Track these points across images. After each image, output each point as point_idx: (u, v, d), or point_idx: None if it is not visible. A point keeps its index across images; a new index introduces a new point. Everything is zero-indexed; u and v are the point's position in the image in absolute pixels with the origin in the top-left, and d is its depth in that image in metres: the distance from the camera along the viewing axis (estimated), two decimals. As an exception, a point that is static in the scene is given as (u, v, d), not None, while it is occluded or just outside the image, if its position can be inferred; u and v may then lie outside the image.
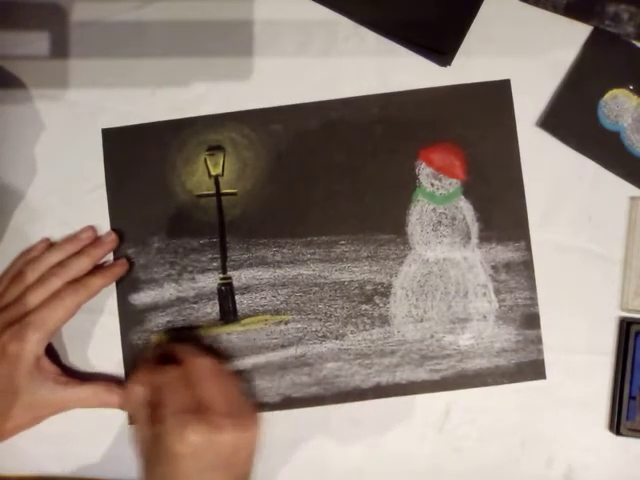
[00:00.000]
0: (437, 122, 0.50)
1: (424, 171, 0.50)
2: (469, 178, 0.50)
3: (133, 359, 0.50)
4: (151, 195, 0.51)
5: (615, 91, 0.50)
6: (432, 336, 0.49)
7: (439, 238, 0.50)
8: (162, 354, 0.47)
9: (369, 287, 0.50)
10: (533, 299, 0.49)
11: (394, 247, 0.50)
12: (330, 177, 0.50)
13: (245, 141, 0.51)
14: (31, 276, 0.47)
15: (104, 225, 0.51)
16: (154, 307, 0.50)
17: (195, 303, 0.50)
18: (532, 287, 0.49)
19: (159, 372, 0.44)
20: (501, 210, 0.50)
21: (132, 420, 0.45)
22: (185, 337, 0.50)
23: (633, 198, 0.50)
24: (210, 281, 0.50)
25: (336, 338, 0.50)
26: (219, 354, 0.50)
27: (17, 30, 0.52)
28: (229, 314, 0.50)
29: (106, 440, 0.50)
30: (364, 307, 0.50)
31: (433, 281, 0.50)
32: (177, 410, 0.41)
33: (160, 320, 0.50)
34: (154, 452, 0.41)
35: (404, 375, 0.49)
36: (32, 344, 0.45)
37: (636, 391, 0.48)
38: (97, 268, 0.49)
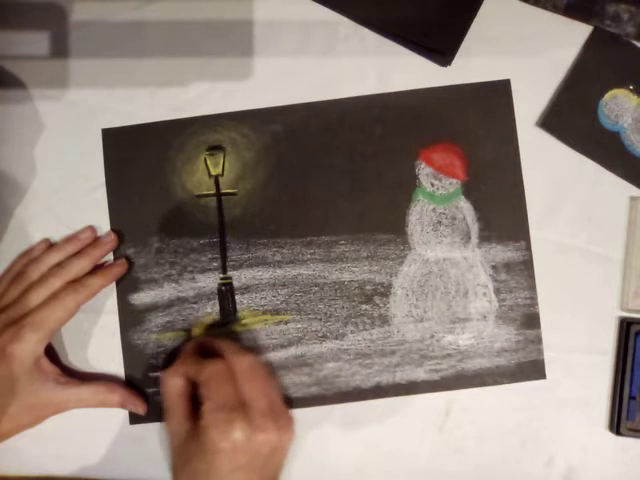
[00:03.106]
0: (437, 122, 0.50)
1: (424, 171, 0.50)
2: (469, 178, 0.50)
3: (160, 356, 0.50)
4: (151, 195, 0.51)
5: (615, 91, 0.50)
6: (432, 336, 0.49)
7: (439, 238, 0.50)
8: (199, 347, 0.46)
9: (369, 287, 0.50)
10: (533, 299, 0.49)
11: (394, 247, 0.50)
12: (330, 177, 0.50)
13: (245, 141, 0.51)
14: (31, 277, 0.47)
15: (104, 225, 0.51)
16: (154, 307, 0.50)
17: (195, 303, 0.50)
18: (532, 287, 0.49)
19: (200, 365, 0.43)
20: (501, 210, 0.50)
21: (166, 412, 0.44)
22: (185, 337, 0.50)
23: (633, 198, 0.50)
24: (210, 281, 0.50)
25: (336, 338, 0.50)
26: (254, 351, 0.49)
27: (17, 30, 0.52)
28: (229, 314, 0.50)
29: (106, 440, 0.50)
30: (364, 307, 0.50)
31: (433, 281, 0.50)
32: (221, 406, 0.40)
33: (160, 320, 0.50)
34: (190, 446, 0.41)
35: (404, 375, 0.49)
36: (32, 344, 0.45)
37: (636, 391, 0.48)
38: (97, 268, 0.49)
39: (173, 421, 0.43)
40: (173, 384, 0.44)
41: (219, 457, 0.40)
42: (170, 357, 0.50)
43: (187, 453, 0.41)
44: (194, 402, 0.43)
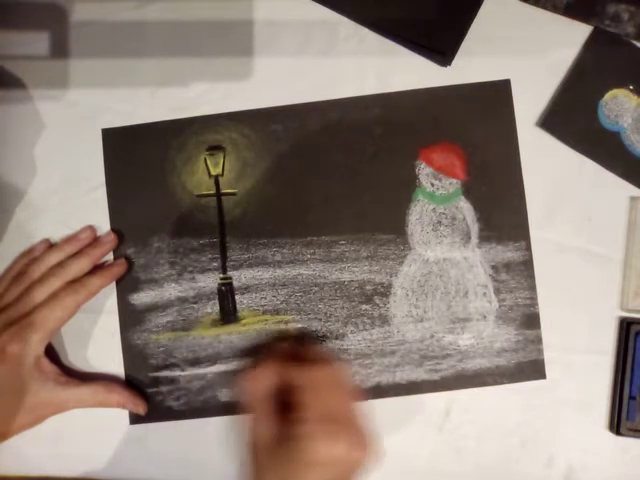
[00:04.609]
0: (437, 122, 0.50)
1: (424, 171, 0.50)
2: (469, 178, 0.50)
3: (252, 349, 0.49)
4: (151, 195, 0.51)
5: (615, 91, 0.50)
6: (432, 336, 0.49)
7: (439, 238, 0.50)
8: (287, 350, 0.45)
9: (369, 287, 0.50)
10: (533, 299, 0.49)
11: (394, 247, 0.50)
12: (330, 177, 0.50)
13: (245, 141, 0.51)
14: (31, 277, 0.47)
15: (104, 225, 0.51)
16: (154, 307, 0.50)
17: (195, 303, 0.50)
18: (532, 287, 0.49)
19: (297, 369, 0.42)
20: (501, 210, 0.50)
21: (251, 410, 0.41)
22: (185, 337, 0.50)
23: (633, 198, 0.50)
24: (210, 281, 0.50)
25: (336, 338, 0.50)
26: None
27: (17, 30, 0.52)
28: (229, 314, 0.50)
29: (106, 440, 0.50)
30: (364, 307, 0.50)
31: (433, 281, 0.50)
32: (315, 417, 0.39)
33: (160, 320, 0.50)
34: (277, 452, 0.39)
35: (404, 375, 0.49)
36: (32, 344, 0.45)
37: (636, 391, 0.48)
38: (97, 268, 0.49)
39: (259, 421, 0.41)
40: (261, 383, 0.42)
41: (310, 469, 0.38)
42: (253, 352, 0.49)
43: (273, 458, 0.40)
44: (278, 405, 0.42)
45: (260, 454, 0.41)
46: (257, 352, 0.49)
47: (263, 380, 0.42)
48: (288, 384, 0.41)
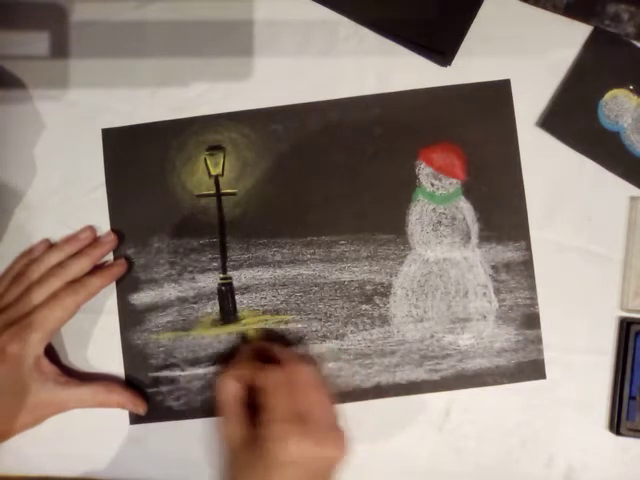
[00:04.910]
0: (437, 122, 0.50)
1: (424, 171, 0.50)
2: (469, 178, 0.50)
3: (237, 353, 0.48)
4: (151, 195, 0.51)
5: (615, 91, 0.50)
6: (432, 336, 0.49)
7: (439, 238, 0.50)
8: (257, 351, 0.46)
9: (369, 287, 0.50)
10: (533, 299, 0.49)
11: (394, 247, 0.50)
12: (330, 177, 0.50)
13: (245, 141, 0.51)
14: (31, 277, 0.47)
15: (104, 225, 0.51)
16: (154, 307, 0.50)
17: (195, 303, 0.50)
18: (532, 287, 0.49)
19: (260, 371, 0.42)
20: (501, 210, 0.50)
21: (220, 415, 0.43)
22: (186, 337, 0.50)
23: (633, 198, 0.50)
24: (210, 281, 0.50)
25: (336, 338, 0.50)
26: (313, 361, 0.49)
27: (17, 30, 0.52)
28: (229, 314, 0.50)
29: (106, 440, 0.50)
30: (364, 307, 0.50)
31: (433, 281, 0.50)
32: (282, 417, 0.40)
33: (160, 320, 0.50)
34: (245, 455, 0.40)
35: (404, 375, 0.49)
36: (32, 344, 0.45)
37: (636, 391, 0.48)
38: (96, 268, 0.49)
39: (228, 426, 0.42)
40: (229, 388, 0.43)
41: (275, 470, 0.39)
42: (223, 358, 0.49)
43: (241, 461, 0.40)
44: (250, 407, 0.42)
45: (228, 457, 0.42)
46: (231, 356, 0.49)
47: (230, 384, 0.43)
48: (256, 386, 0.42)
